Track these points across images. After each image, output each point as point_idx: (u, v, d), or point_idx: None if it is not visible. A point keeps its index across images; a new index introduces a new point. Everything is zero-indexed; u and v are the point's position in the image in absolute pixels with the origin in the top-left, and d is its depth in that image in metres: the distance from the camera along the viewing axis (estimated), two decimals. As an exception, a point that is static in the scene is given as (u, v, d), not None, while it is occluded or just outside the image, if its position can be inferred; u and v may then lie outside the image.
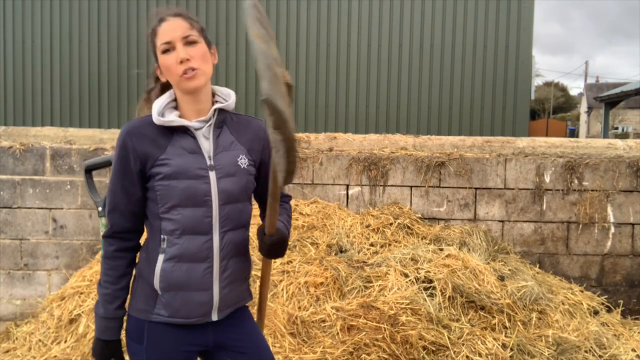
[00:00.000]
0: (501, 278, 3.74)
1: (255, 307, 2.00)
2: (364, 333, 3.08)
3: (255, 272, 3.32)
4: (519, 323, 3.44)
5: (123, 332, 1.75)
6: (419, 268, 3.61)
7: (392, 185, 4.45)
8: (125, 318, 1.74)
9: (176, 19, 1.65)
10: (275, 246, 1.65)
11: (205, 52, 1.66)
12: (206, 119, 1.69)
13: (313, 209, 4.26)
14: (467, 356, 3.10)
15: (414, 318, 3.22)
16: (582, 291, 4.22)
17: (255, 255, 3.73)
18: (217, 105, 1.70)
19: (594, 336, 3.49)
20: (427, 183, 4.43)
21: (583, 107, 42.28)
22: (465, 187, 4.43)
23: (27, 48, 7.24)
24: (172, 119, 1.65)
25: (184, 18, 1.66)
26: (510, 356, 3.17)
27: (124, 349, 1.75)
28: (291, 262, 3.73)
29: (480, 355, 3.12)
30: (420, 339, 3.10)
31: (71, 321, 3.70)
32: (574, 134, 37.06)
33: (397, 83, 7.04)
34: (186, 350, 1.71)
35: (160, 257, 1.65)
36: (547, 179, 4.41)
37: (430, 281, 3.53)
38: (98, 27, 7.19)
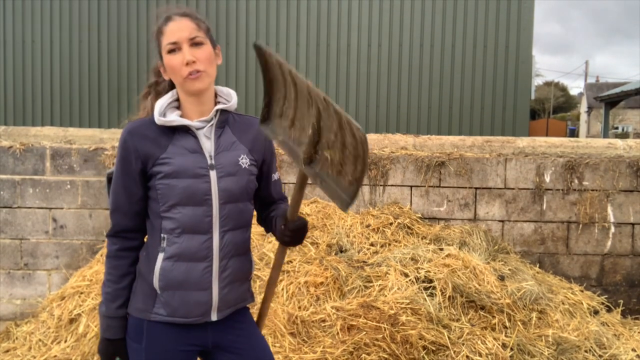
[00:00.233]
0: (501, 278, 3.74)
1: (256, 307, 1.99)
2: (364, 333, 3.08)
3: (255, 272, 3.32)
4: (519, 323, 3.44)
5: None
6: (419, 268, 3.61)
7: (392, 185, 4.45)
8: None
9: (183, 19, 1.65)
10: (299, 231, 1.65)
11: (211, 54, 1.67)
12: (208, 118, 1.70)
13: (313, 208, 4.26)
14: (467, 356, 3.10)
15: (414, 318, 3.22)
16: (582, 291, 4.22)
17: (255, 255, 3.72)
18: (219, 106, 1.71)
19: (594, 336, 3.49)
20: (427, 183, 4.43)
21: (583, 106, 42.28)
22: (466, 187, 4.43)
23: (27, 48, 7.24)
24: (174, 118, 1.66)
25: (192, 19, 1.66)
26: (510, 356, 3.17)
27: None
28: (291, 262, 3.73)
29: (480, 355, 3.12)
30: (420, 339, 3.10)
31: (71, 321, 3.70)
32: (574, 133, 37.07)
33: (397, 83, 7.04)
34: (185, 350, 1.71)
35: (160, 256, 1.66)
36: (547, 178, 4.41)
37: (431, 281, 3.53)
38: (98, 27, 7.19)
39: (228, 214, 1.68)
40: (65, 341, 3.59)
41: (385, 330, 3.09)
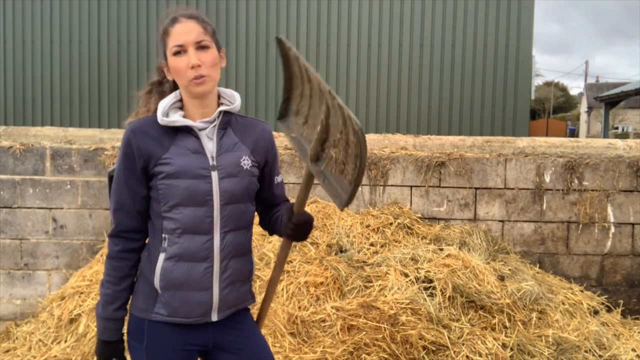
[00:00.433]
0: (501, 278, 3.74)
1: (257, 308, 1.99)
2: (364, 333, 3.08)
3: (255, 273, 3.32)
4: (519, 323, 3.44)
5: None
6: (419, 268, 3.61)
7: (392, 185, 4.45)
8: (126, 317, 1.74)
9: (190, 22, 1.65)
10: (303, 225, 1.67)
11: (216, 58, 1.67)
12: (211, 119, 1.70)
13: (313, 208, 4.27)
14: (467, 356, 3.10)
15: (414, 318, 3.22)
16: (582, 291, 4.22)
17: (255, 256, 3.72)
18: (222, 108, 1.71)
19: (594, 336, 3.49)
20: (427, 183, 4.43)
21: (583, 107, 42.28)
22: (465, 187, 4.43)
23: (27, 48, 7.25)
24: (177, 119, 1.66)
25: (198, 21, 1.67)
26: (510, 356, 3.17)
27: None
28: (291, 262, 3.73)
29: (480, 355, 3.12)
30: (420, 339, 3.10)
31: (71, 321, 3.70)
32: (574, 133, 37.07)
33: (397, 83, 7.04)
34: (186, 350, 1.71)
35: (161, 256, 1.66)
36: (547, 178, 4.41)
37: (431, 281, 3.53)
38: (98, 27, 7.19)
39: (229, 215, 1.68)
40: (65, 341, 3.59)
41: (385, 330, 3.09)
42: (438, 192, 4.45)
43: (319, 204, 4.34)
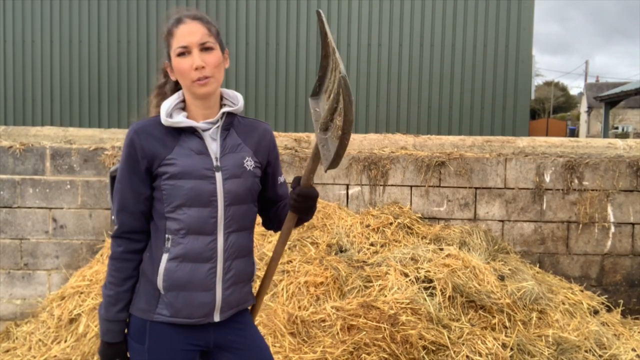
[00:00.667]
0: (501, 278, 3.74)
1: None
2: (364, 333, 3.08)
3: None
4: (519, 323, 3.44)
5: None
6: (419, 268, 3.61)
7: (392, 185, 4.45)
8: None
9: (194, 23, 1.66)
10: (307, 198, 1.68)
11: (220, 59, 1.68)
12: (214, 120, 1.70)
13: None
14: (467, 356, 3.10)
15: (414, 318, 3.22)
16: (582, 291, 4.22)
17: (255, 255, 3.72)
18: (226, 109, 1.72)
19: (594, 336, 3.49)
20: (427, 183, 4.43)
21: (583, 106, 42.27)
22: (465, 187, 4.43)
23: (27, 48, 7.24)
24: (180, 120, 1.66)
25: (203, 22, 1.67)
26: (510, 356, 3.17)
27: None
28: (291, 261, 3.73)
29: (480, 354, 3.12)
30: (420, 339, 3.10)
31: (71, 321, 3.70)
32: (574, 133, 37.06)
33: (397, 83, 7.04)
34: (187, 350, 1.71)
35: (164, 257, 1.66)
36: (547, 178, 4.41)
37: (430, 281, 3.53)
38: (98, 27, 7.19)
39: (232, 216, 1.69)
40: (65, 341, 3.59)
41: (385, 330, 3.09)
42: (438, 192, 4.45)
43: (319, 204, 4.34)
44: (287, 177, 4.41)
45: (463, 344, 3.16)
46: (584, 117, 41.25)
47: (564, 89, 57.11)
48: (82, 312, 3.69)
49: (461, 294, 3.48)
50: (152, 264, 1.68)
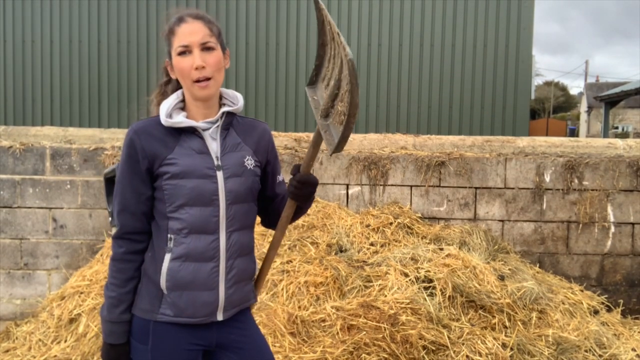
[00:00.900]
0: (501, 278, 3.74)
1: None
2: (364, 333, 3.08)
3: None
4: (519, 323, 3.44)
5: None
6: (419, 268, 3.61)
7: (392, 185, 4.45)
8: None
9: (196, 22, 1.66)
10: (306, 184, 1.69)
11: (220, 60, 1.69)
12: (213, 120, 1.71)
13: (313, 208, 4.27)
14: (467, 356, 3.10)
15: (414, 318, 3.22)
16: (582, 291, 4.22)
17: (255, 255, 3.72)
18: (226, 109, 1.72)
19: (594, 336, 3.49)
20: (427, 182, 4.43)
21: (583, 106, 42.27)
22: (465, 187, 4.43)
23: (27, 48, 7.24)
24: (180, 120, 1.66)
25: (204, 22, 1.67)
26: (510, 356, 3.17)
27: None
28: (291, 261, 3.73)
29: (480, 354, 3.12)
30: (420, 339, 3.10)
31: (71, 321, 3.70)
32: (574, 133, 37.05)
33: (397, 83, 7.04)
34: (191, 350, 1.71)
35: (167, 257, 1.65)
36: (547, 178, 4.41)
37: (430, 281, 3.53)
38: (98, 27, 7.19)
39: (234, 215, 1.69)
40: (65, 341, 3.59)
41: (385, 330, 3.09)
42: (438, 191, 4.45)
43: (319, 204, 4.34)
44: (287, 177, 4.42)
45: (463, 344, 3.16)
46: (584, 117, 41.25)
47: (564, 89, 57.12)
48: (82, 312, 3.69)
49: (461, 294, 3.48)
50: (155, 264, 1.68)
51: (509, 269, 3.89)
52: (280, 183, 1.89)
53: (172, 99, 1.71)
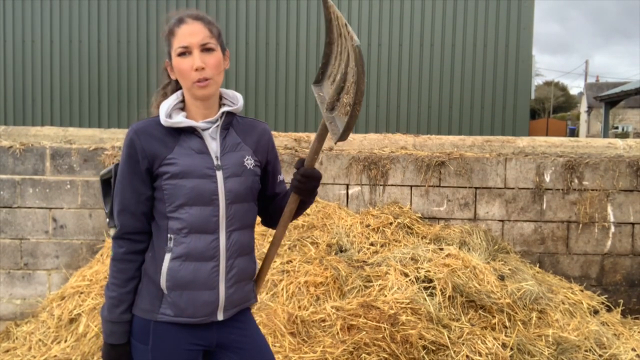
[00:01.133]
0: (501, 277, 3.74)
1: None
2: (364, 332, 3.08)
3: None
4: (519, 322, 3.44)
5: None
6: (419, 267, 3.61)
7: (392, 185, 4.45)
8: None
9: (196, 23, 1.66)
10: (311, 178, 1.70)
11: (220, 61, 1.69)
12: (213, 119, 1.71)
13: (313, 208, 4.27)
14: (467, 356, 3.10)
15: (414, 317, 3.22)
16: (582, 291, 4.22)
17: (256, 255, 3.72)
18: (226, 109, 1.73)
19: (594, 335, 3.49)
20: (427, 182, 4.43)
21: (583, 106, 42.26)
22: (465, 187, 4.43)
23: (27, 48, 7.24)
24: (180, 120, 1.67)
25: (204, 23, 1.68)
26: (510, 356, 3.17)
27: None
28: (291, 261, 3.73)
29: (480, 354, 3.12)
30: (420, 339, 3.10)
31: (71, 321, 3.70)
32: (574, 133, 37.05)
33: (397, 83, 7.04)
34: (191, 350, 1.71)
35: (167, 256, 1.66)
36: (547, 178, 4.41)
37: (430, 281, 3.53)
38: (98, 27, 7.19)
39: (234, 214, 1.69)
40: (65, 341, 3.59)
41: (385, 330, 3.09)
42: (438, 191, 4.45)
43: (319, 204, 4.34)
44: (287, 177, 4.42)
45: (463, 344, 3.16)
46: (584, 117, 41.24)
47: (564, 89, 57.12)
48: (82, 312, 3.69)
49: (461, 294, 3.48)
50: (155, 264, 1.68)
51: (509, 269, 3.89)
52: (281, 182, 1.89)
53: (172, 100, 1.71)
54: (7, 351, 3.78)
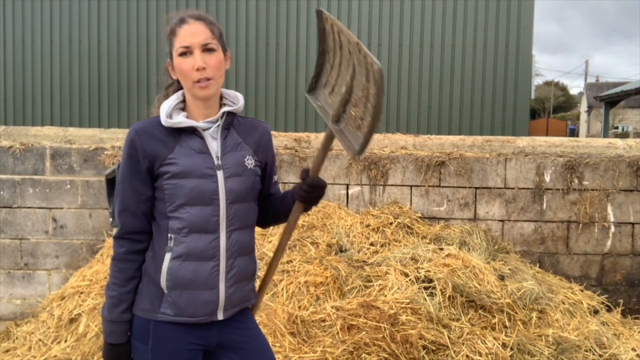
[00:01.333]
0: (501, 277, 3.74)
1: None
2: (364, 332, 3.08)
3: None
4: (519, 322, 3.44)
5: None
6: (419, 267, 3.61)
7: (392, 185, 4.45)
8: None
9: (197, 23, 1.67)
10: (316, 188, 1.72)
11: (221, 61, 1.70)
12: (214, 119, 1.71)
13: (313, 208, 4.26)
14: (467, 355, 3.10)
15: (414, 317, 3.22)
16: (582, 290, 4.22)
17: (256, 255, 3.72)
18: (227, 109, 1.73)
19: (594, 335, 3.49)
20: (427, 182, 4.43)
21: (583, 106, 42.26)
22: (465, 187, 4.43)
23: (27, 48, 7.25)
24: (181, 120, 1.67)
25: (206, 23, 1.68)
26: (510, 355, 3.17)
27: None
28: (291, 261, 3.73)
29: (480, 354, 3.12)
30: (420, 339, 3.10)
31: (71, 321, 3.70)
32: (574, 133, 37.05)
33: (397, 82, 7.04)
34: (191, 349, 1.72)
35: (167, 256, 1.66)
36: (547, 178, 4.41)
37: (430, 281, 3.53)
38: (98, 27, 7.19)
39: (234, 214, 1.70)
40: (65, 341, 3.59)
41: (385, 330, 3.09)
42: (438, 191, 4.45)
43: (319, 204, 4.34)
44: (287, 177, 4.42)
45: (463, 344, 3.16)
46: (584, 116, 41.24)
47: (563, 89, 57.12)
48: (82, 312, 3.69)
49: (461, 294, 3.48)
50: (155, 264, 1.68)
51: (509, 269, 3.89)
52: (275, 183, 1.91)
53: (173, 100, 1.71)
54: (7, 351, 3.78)
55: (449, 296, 3.45)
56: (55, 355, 3.50)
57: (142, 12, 7.16)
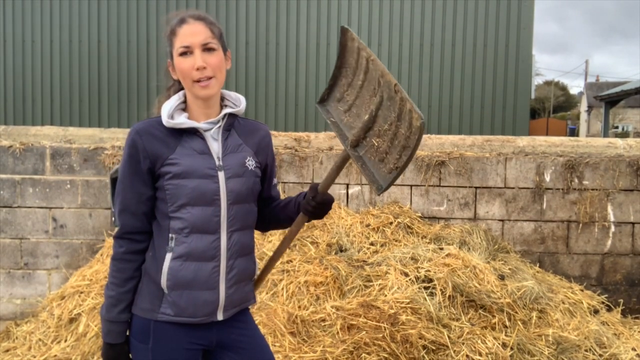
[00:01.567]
0: (501, 277, 3.74)
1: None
2: (364, 332, 3.08)
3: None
4: (519, 322, 3.44)
5: None
6: (419, 267, 3.61)
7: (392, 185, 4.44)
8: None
9: (198, 23, 1.67)
10: (324, 205, 1.73)
11: (221, 60, 1.71)
12: (215, 120, 1.72)
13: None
14: (467, 355, 3.10)
15: (414, 317, 3.22)
16: (582, 290, 4.22)
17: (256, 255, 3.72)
18: (228, 110, 1.74)
19: (594, 335, 3.49)
20: (427, 182, 4.43)
21: (583, 106, 42.26)
22: (466, 186, 4.43)
23: (27, 48, 7.25)
24: (182, 120, 1.67)
25: (206, 23, 1.69)
26: (511, 355, 3.17)
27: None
28: (291, 261, 3.73)
29: (480, 354, 3.12)
30: (420, 338, 3.10)
31: (71, 320, 3.70)
32: (574, 133, 37.04)
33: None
34: (191, 349, 1.72)
35: (168, 256, 1.66)
36: (547, 178, 4.41)
37: (430, 280, 3.53)
38: (98, 27, 7.19)
39: (235, 215, 1.70)
40: (65, 341, 3.59)
41: (385, 329, 3.09)
42: (438, 191, 4.45)
43: (319, 204, 4.33)
44: (287, 177, 4.42)
45: (463, 344, 3.16)
46: (584, 116, 41.24)
47: (564, 89, 57.11)
48: (82, 311, 3.69)
49: (461, 294, 3.48)
50: (156, 264, 1.68)
51: (509, 269, 3.89)
52: (274, 186, 1.92)
53: (174, 100, 1.72)
54: (7, 351, 3.78)
55: (449, 296, 3.45)
56: (55, 355, 3.50)
57: (142, 12, 7.16)
